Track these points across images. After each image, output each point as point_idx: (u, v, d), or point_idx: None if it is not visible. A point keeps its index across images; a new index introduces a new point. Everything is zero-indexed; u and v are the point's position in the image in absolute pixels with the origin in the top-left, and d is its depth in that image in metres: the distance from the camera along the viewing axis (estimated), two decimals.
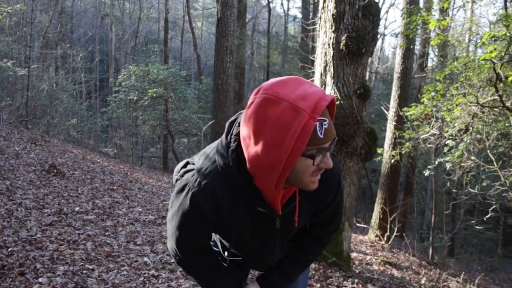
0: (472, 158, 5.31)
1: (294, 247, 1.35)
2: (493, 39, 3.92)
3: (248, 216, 1.10)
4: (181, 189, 1.09)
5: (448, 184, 6.88)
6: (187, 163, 1.17)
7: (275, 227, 1.15)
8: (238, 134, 1.00)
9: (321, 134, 0.90)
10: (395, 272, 4.83)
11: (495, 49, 3.70)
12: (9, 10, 8.50)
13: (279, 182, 0.94)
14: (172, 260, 3.53)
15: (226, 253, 1.36)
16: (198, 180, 1.05)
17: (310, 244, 1.34)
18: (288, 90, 0.89)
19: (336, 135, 0.96)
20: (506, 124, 5.08)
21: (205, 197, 1.04)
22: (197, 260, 1.23)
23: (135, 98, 11.91)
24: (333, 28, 3.55)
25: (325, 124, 0.90)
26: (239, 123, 1.01)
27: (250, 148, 0.92)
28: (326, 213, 1.24)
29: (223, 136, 1.05)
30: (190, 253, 1.20)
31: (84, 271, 2.91)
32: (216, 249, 1.40)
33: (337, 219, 1.30)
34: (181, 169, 1.16)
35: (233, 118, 1.07)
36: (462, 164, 5.46)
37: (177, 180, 1.14)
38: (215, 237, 1.39)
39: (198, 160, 1.11)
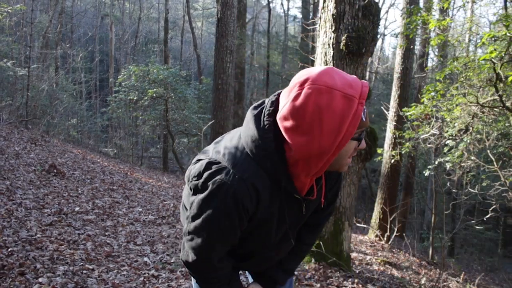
0: (472, 158, 5.31)
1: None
2: (493, 39, 3.92)
3: (283, 203, 1.12)
4: (216, 191, 1.03)
5: (448, 184, 6.88)
6: (211, 163, 1.08)
7: (302, 212, 1.19)
8: (271, 125, 1.02)
9: (364, 117, 0.96)
10: (395, 272, 4.83)
11: (495, 49, 3.70)
12: (9, 10, 8.50)
13: (323, 168, 0.99)
14: (172, 260, 3.53)
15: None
16: (237, 176, 1.02)
17: (307, 232, 1.36)
18: (334, 79, 0.93)
19: None
20: (506, 124, 5.08)
21: (248, 192, 1.03)
22: (224, 267, 1.19)
23: (135, 98, 11.90)
24: (333, 28, 3.55)
25: (365, 108, 0.96)
26: (267, 114, 1.03)
27: (299, 138, 0.95)
28: (330, 193, 1.28)
29: (252, 128, 1.04)
30: (218, 259, 1.16)
31: (84, 271, 2.92)
32: None
33: (335, 200, 1.36)
34: (203, 171, 1.07)
35: (256, 112, 1.07)
36: (462, 164, 5.46)
37: (203, 183, 1.06)
38: None
39: (224, 158, 1.06)
